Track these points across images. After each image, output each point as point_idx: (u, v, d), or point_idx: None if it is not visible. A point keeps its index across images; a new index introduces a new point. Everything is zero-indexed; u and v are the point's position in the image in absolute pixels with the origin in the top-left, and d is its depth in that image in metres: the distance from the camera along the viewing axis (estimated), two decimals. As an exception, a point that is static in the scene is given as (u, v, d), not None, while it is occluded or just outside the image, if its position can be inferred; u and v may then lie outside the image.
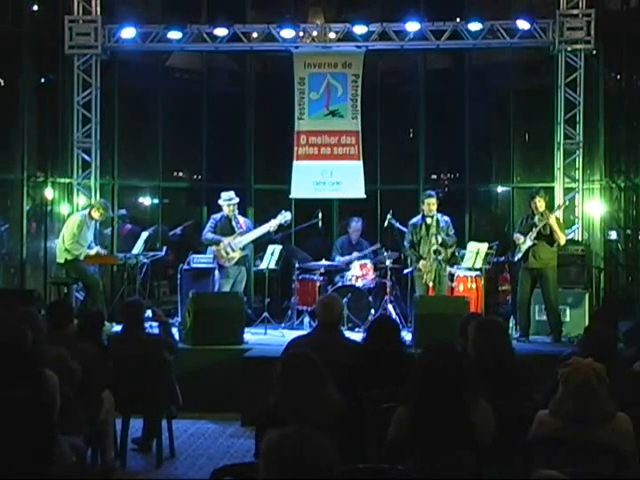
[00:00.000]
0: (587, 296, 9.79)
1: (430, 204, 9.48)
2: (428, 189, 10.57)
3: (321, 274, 10.37)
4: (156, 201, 12.44)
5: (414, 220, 9.75)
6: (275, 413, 3.88)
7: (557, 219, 9.44)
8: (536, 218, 9.25)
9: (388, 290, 10.05)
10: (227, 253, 9.92)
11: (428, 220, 9.50)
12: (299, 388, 3.87)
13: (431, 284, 9.42)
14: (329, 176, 11.41)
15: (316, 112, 11.49)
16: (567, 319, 9.54)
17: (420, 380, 3.87)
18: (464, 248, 9.99)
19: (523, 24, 10.73)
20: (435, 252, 9.32)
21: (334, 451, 2.40)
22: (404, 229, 10.15)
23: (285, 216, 10.08)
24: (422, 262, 9.45)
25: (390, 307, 9.95)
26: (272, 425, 3.83)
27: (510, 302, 10.40)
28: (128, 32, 11.05)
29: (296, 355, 4.17)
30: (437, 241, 9.35)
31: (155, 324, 7.53)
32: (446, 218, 9.65)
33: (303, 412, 3.80)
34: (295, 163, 11.48)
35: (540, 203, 9.24)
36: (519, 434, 3.88)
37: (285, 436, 2.39)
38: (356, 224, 10.90)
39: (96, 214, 10.13)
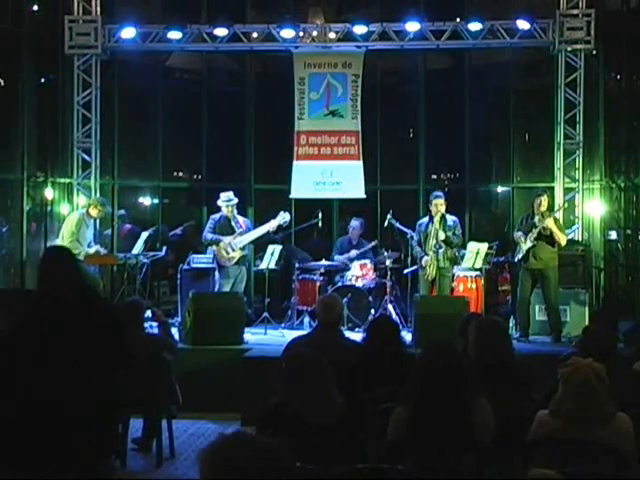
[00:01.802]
0: (587, 296, 9.78)
1: (438, 205, 9.49)
2: (435, 190, 10.54)
3: (321, 274, 10.37)
4: (156, 201, 12.45)
5: (421, 220, 9.81)
6: (276, 413, 3.88)
7: (556, 220, 9.44)
8: (536, 218, 9.25)
9: (388, 290, 10.05)
10: (227, 253, 9.92)
11: (436, 219, 9.51)
12: (304, 389, 3.87)
13: (432, 282, 9.43)
14: (329, 176, 11.41)
15: (316, 112, 11.49)
16: (567, 319, 9.54)
17: (420, 380, 3.87)
18: (464, 248, 9.99)
19: (523, 24, 10.73)
20: (435, 245, 9.33)
21: (281, 454, 2.38)
22: (404, 229, 10.16)
23: (284, 217, 10.08)
24: (425, 258, 9.46)
25: (390, 307, 9.95)
26: (273, 425, 3.85)
27: (510, 302, 10.39)
28: (128, 32, 11.06)
29: (302, 356, 4.16)
30: (438, 237, 9.36)
31: (155, 324, 7.53)
32: (454, 218, 9.67)
33: (306, 413, 3.80)
34: (295, 163, 11.48)
35: (544, 203, 9.25)
36: (519, 434, 3.88)
37: (225, 443, 2.36)
38: (357, 224, 10.91)
39: (94, 211, 10.11)
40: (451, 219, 9.61)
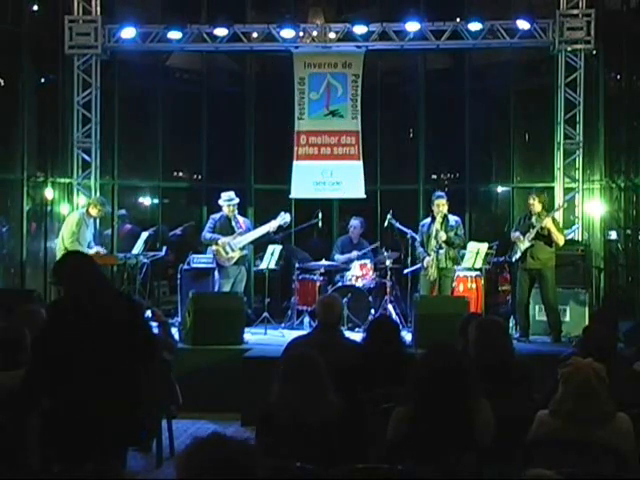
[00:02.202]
0: (587, 296, 9.77)
1: (440, 205, 9.47)
2: (436, 190, 10.55)
3: (321, 274, 10.37)
4: (156, 201, 12.45)
5: (424, 221, 9.81)
6: (273, 413, 3.88)
7: (555, 220, 9.42)
8: (533, 218, 9.25)
9: (388, 290, 10.05)
10: (226, 252, 9.92)
11: (438, 220, 9.49)
12: (298, 388, 3.87)
13: (434, 282, 9.42)
14: (329, 176, 11.41)
15: (316, 112, 11.49)
16: (567, 319, 9.54)
17: (421, 380, 3.87)
18: (464, 248, 9.99)
19: (523, 24, 10.73)
20: (435, 246, 9.32)
21: (255, 455, 2.41)
22: (404, 229, 10.17)
23: (284, 218, 10.08)
24: (427, 259, 9.46)
25: (390, 307, 9.95)
26: (271, 424, 3.85)
27: (510, 302, 10.39)
28: (128, 32, 11.05)
29: (297, 355, 4.16)
30: (439, 237, 9.35)
31: (155, 324, 7.53)
32: (456, 218, 9.67)
33: (301, 412, 3.79)
34: (295, 163, 11.48)
35: (533, 202, 9.24)
36: (519, 434, 3.88)
37: (199, 446, 2.38)
38: (357, 223, 10.90)
39: (94, 211, 10.10)
40: (453, 219, 9.60)
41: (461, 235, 9.64)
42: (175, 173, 13.02)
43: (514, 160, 12.07)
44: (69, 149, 11.37)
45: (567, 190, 11.01)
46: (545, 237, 9.19)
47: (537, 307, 9.54)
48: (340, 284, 10.22)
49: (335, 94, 11.47)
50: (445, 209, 9.50)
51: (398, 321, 8.98)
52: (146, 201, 12.63)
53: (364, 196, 11.43)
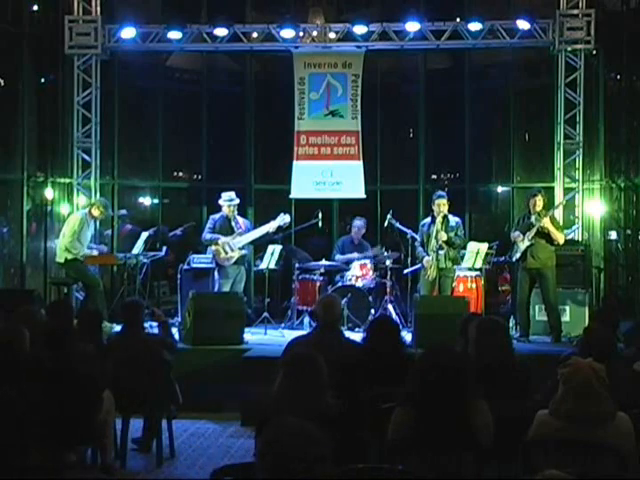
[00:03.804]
0: (587, 296, 9.77)
1: (440, 205, 9.45)
2: (437, 189, 10.55)
3: (321, 274, 10.37)
4: (156, 201, 12.44)
5: (424, 221, 9.80)
6: (273, 411, 3.88)
7: (553, 219, 9.42)
8: (533, 218, 9.25)
9: (388, 290, 10.05)
10: (226, 252, 9.93)
11: (438, 220, 9.49)
12: (296, 387, 3.86)
13: (433, 283, 9.41)
14: (329, 176, 11.40)
15: (316, 112, 11.49)
16: (567, 319, 9.53)
17: (421, 381, 3.87)
18: (464, 248, 9.98)
19: (523, 24, 10.73)
20: (434, 246, 9.31)
21: (326, 443, 2.44)
22: (404, 229, 10.16)
23: (284, 218, 10.09)
24: (426, 258, 9.45)
25: (390, 307, 9.95)
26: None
27: (510, 302, 10.39)
28: (128, 32, 11.05)
29: (298, 355, 4.16)
30: (439, 237, 9.34)
31: (155, 324, 7.53)
32: (457, 219, 9.65)
33: (298, 411, 3.79)
34: (295, 163, 11.47)
35: (539, 203, 9.24)
36: (519, 434, 3.88)
37: (280, 429, 2.42)
38: (361, 224, 10.89)
39: (96, 212, 10.13)
40: (454, 220, 9.58)
41: (461, 236, 9.63)
42: (175, 173, 13.02)
43: (514, 160, 12.06)
44: (69, 149, 11.37)
45: (567, 190, 11.01)
46: (545, 235, 9.20)
47: (537, 307, 9.54)
48: (340, 284, 10.22)
49: (335, 94, 11.46)
50: (446, 209, 9.48)
51: (398, 321, 8.98)
52: (146, 201, 12.63)
53: (364, 196, 11.43)
